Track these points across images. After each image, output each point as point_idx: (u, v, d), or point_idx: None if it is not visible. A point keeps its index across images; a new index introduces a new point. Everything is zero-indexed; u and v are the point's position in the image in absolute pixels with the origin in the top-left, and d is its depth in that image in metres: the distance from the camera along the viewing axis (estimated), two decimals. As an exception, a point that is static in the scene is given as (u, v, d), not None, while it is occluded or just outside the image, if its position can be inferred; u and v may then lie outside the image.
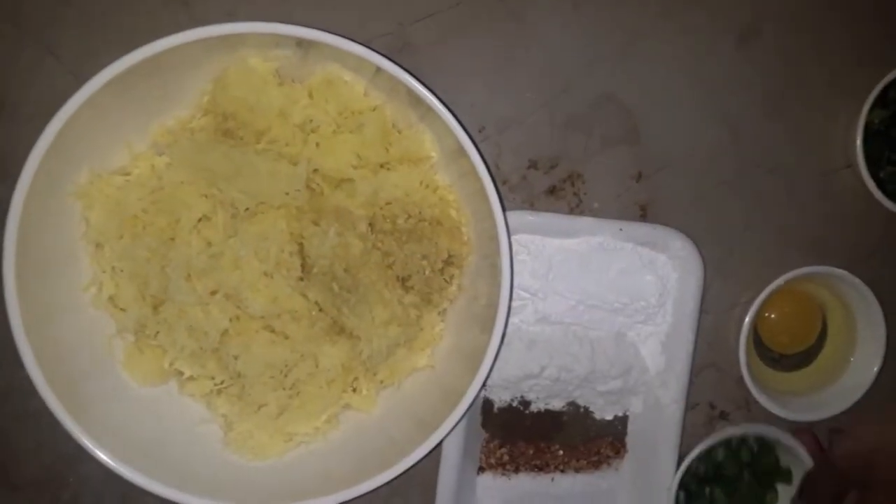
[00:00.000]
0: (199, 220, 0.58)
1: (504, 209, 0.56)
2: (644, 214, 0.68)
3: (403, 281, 0.61)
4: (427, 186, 0.61)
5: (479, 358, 0.57)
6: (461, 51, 0.66)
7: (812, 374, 0.72)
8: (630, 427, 0.69)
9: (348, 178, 0.59)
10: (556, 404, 0.68)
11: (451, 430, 0.57)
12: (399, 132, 0.60)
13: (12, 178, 0.55)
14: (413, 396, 0.63)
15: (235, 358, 0.59)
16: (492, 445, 0.68)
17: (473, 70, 0.67)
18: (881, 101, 0.65)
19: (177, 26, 0.55)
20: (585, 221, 0.65)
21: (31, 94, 0.64)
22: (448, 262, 0.62)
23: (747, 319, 0.66)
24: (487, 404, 0.68)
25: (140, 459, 0.57)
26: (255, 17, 0.63)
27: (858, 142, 0.65)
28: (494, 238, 0.56)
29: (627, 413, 0.69)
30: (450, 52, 0.66)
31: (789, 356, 0.72)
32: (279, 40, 0.56)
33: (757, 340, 0.71)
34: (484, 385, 0.57)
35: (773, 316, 0.70)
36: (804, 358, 0.72)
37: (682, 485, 0.66)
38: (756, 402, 0.67)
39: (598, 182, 0.68)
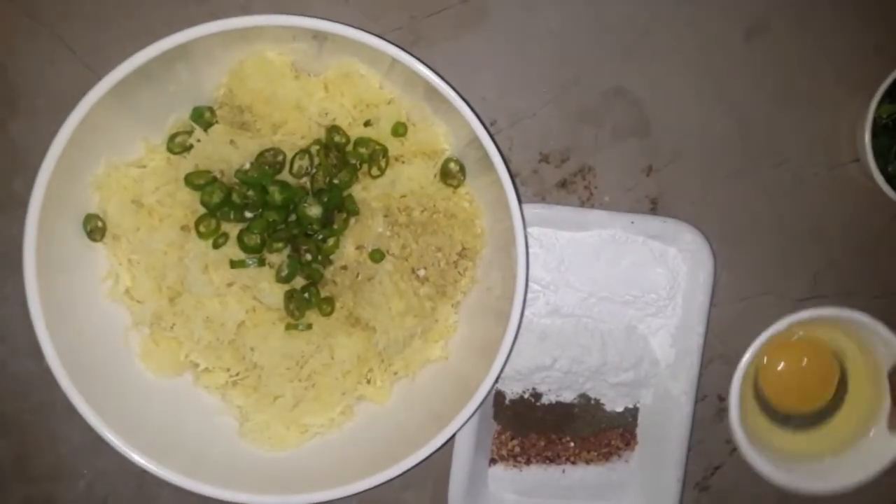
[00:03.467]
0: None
1: (520, 202, 0.56)
2: (654, 207, 0.69)
3: (418, 273, 0.61)
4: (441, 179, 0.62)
5: (494, 350, 0.57)
6: (473, 44, 0.67)
7: (828, 435, 0.63)
8: (640, 419, 0.69)
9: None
10: (568, 396, 0.68)
11: (465, 422, 0.57)
12: (414, 125, 0.61)
13: (29, 169, 0.56)
14: (427, 388, 0.63)
15: (252, 349, 0.59)
16: (503, 437, 0.69)
17: (485, 63, 0.67)
18: (889, 95, 0.66)
19: (191, 20, 0.56)
20: (597, 214, 0.66)
21: (47, 87, 0.64)
22: (462, 254, 0.62)
23: (737, 375, 0.59)
24: (499, 396, 0.68)
25: (156, 450, 0.57)
26: (270, 9, 0.64)
27: (867, 136, 0.65)
28: (510, 230, 0.57)
29: (638, 405, 0.69)
30: (461, 45, 0.67)
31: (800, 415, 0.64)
32: (296, 33, 0.56)
33: (759, 393, 0.64)
34: (497, 378, 0.58)
35: (779, 368, 0.62)
36: (819, 416, 0.64)
37: None
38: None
39: (609, 175, 0.68)
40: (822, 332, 0.62)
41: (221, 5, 0.65)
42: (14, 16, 0.64)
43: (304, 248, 0.59)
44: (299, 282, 0.60)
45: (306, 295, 0.59)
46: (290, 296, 0.59)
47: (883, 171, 0.66)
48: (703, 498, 0.71)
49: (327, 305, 0.60)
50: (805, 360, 0.61)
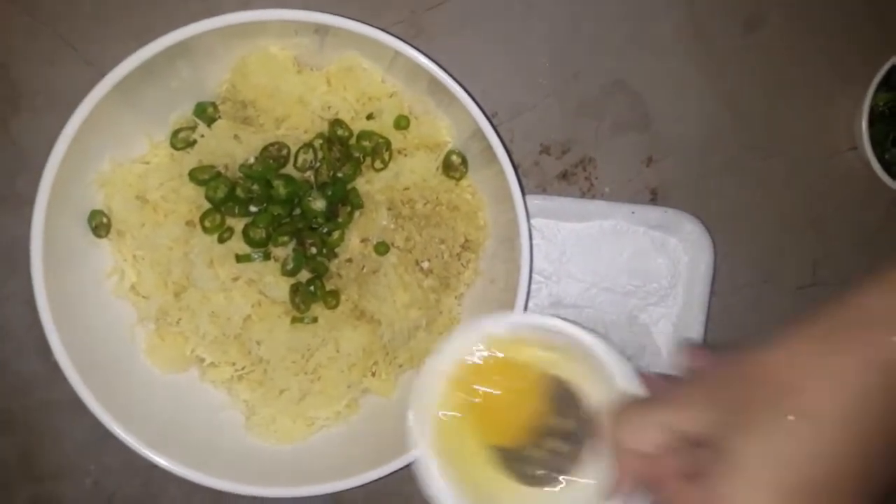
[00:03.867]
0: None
1: (524, 193, 0.57)
2: (654, 198, 0.69)
3: (422, 265, 0.61)
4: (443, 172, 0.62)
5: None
6: (473, 37, 0.67)
7: (562, 498, 0.47)
8: (642, 408, 0.70)
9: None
10: (570, 386, 0.69)
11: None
12: (416, 118, 0.61)
13: (31, 168, 0.56)
14: (431, 380, 0.64)
15: (258, 343, 0.60)
16: (507, 428, 0.69)
17: (485, 56, 0.67)
18: (886, 83, 0.66)
19: (192, 15, 0.56)
20: (598, 205, 0.66)
21: (48, 84, 0.64)
22: (465, 246, 0.63)
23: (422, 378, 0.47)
24: (503, 387, 0.68)
25: (163, 444, 0.57)
26: (271, 5, 0.64)
27: (864, 124, 0.66)
28: (513, 222, 0.57)
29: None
30: (462, 38, 0.67)
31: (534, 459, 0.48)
32: (298, 28, 0.57)
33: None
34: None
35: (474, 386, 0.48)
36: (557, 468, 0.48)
37: None
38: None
39: (610, 166, 0.69)
40: (559, 355, 0.48)
41: (221, 1, 0.65)
42: (15, 15, 0.64)
43: (310, 241, 0.59)
44: (304, 275, 0.60)
45: (311, 288, 0.60)
46: (295, 289, 0.59)
47: (880, 159, 0.67)
48: (705, 486, 0.71)
49: (332, 298, 0.60)
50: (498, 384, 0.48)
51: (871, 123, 0.66)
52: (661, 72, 0.69)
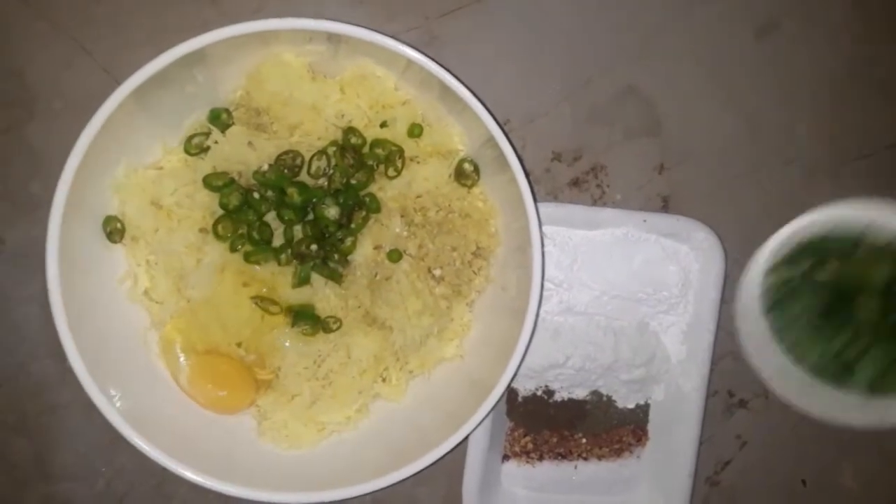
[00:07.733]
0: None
1: (536, 201, 0.57)
2: (666, 206, 0.69)
3: (434, 272, 0.62)
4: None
5: (509, 349, 0.58)
6: (486, 44, 0.67)
7: None
8: (652, 415, 0.70)
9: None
10: (580, 393, 0.69)
11: (481, 422, 0.58)
12: (429, 126, 0.61)
13: (46, 172, 0.56)
14: (442, 386, 0.64)
15: (270, 350, 0.60)
16: (516, 434, 0.69)
17: (498, 63, 0.68)
18: (899, 93, 0.66)
19: (206, 23, 0.56)
20: (609, 213, 0.66)
21: (64, 90, 0.65)
22: (476, 253, 0.63)
23: None
24: (512, 393, 0.69)
25: (175, 448, 0.58)
26: (284, 12, 0.64)
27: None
28: (525, 229, 0.57)
29: (649, 401, 0.70)
30: (475, 45, 0.67)
31: None
32: (312, 35, 0.57)
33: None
34: (512, 378, 0.58)
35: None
36: None
37: None
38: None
39: (621, 174, 0.69)
40: None
41: (234, 7, 0.65)
42: (31, 20, 0.64)
43: (322, 248, 0.60)
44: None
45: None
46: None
47: (893, 169, 0.67)
48: (713, 492, 0.72)
49: (334, 323, 0.60)
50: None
51: (885, 133, 0.66)
52: (672, 78, 0.69)
